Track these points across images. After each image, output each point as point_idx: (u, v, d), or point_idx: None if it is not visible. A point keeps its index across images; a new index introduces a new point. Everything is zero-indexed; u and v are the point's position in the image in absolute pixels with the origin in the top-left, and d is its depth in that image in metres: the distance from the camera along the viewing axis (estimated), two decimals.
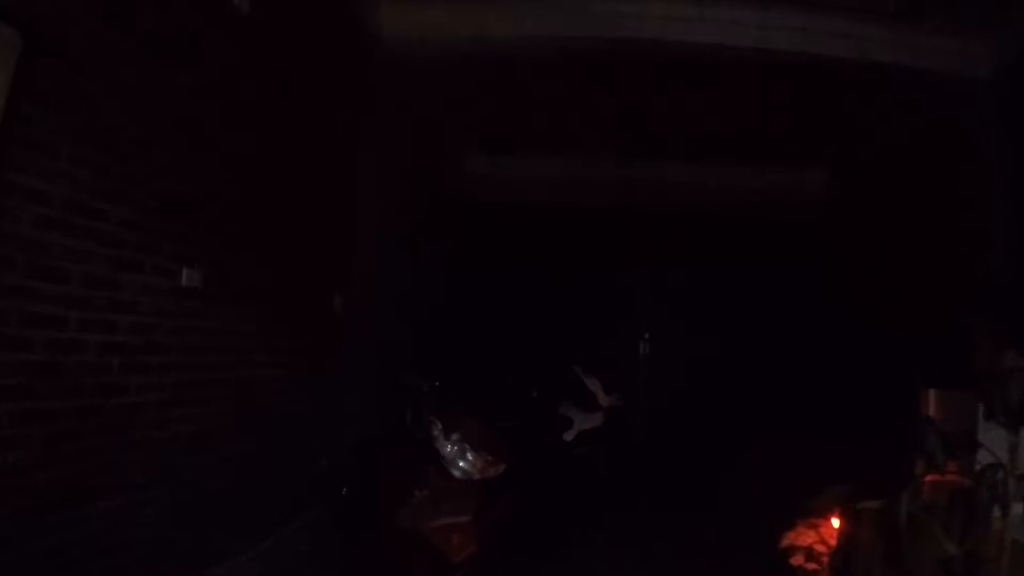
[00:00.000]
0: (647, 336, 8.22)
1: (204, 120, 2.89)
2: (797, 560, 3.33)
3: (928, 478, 3.12)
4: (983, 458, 2.55)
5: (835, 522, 3.26)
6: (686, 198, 7.60)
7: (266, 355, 3.44)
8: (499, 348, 6.55)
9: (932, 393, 3.53)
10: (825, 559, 3.28)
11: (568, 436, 5.46)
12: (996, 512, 2.38)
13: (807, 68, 4.69)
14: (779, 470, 4.56)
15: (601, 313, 7.67)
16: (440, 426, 3.31)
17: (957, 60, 4.57)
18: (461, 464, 3.32)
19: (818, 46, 4.48)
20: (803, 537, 3.35)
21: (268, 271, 3.44)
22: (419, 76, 5.04)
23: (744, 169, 7.24)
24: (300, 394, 3.80)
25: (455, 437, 3.33)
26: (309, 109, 3.82)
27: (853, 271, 5.96)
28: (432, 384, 4.03)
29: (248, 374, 3.28)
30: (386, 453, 3.61)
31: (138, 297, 2.54)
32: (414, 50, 4.73)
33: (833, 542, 3.31)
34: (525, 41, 4.66)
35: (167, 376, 2.71)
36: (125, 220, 2.45)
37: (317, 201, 4.05)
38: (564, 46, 4.70)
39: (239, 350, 3.21)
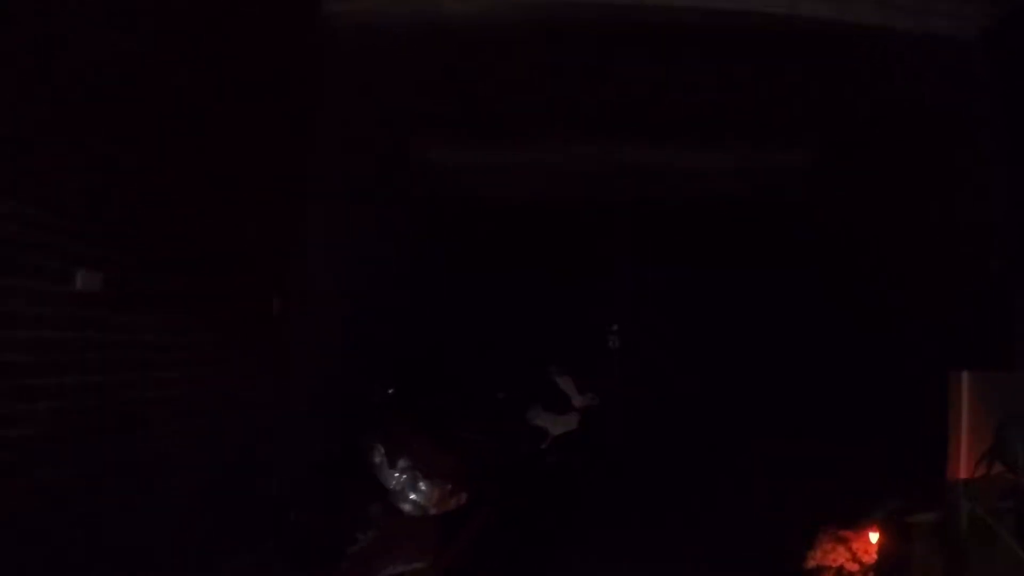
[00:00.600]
0: (618, 329, 7.69)
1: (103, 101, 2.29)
2: None
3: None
4: None
5: (873, 536, 2.69)
6: (663, 184, 7.09)
7: (186, 368, 2.85)
8: (465, 349, 6.03)
9: (965, 377, 2.99)
10: None
11: (541, 443, 4.90)
12: None
13: (790, 33, 4.22)
14: (781, 475, 4.04)
15: (573, 308, 7.13)
16: (383, 451, 2.65)
17: (947, 21, 4.15)
18: (412, 497, 2.67)
19: (804, 8, 4.02)
20: (833, 555, 2.78)
21: (188, 273, 2.87)
22: (374, 61, 4.51)
23: (721, 150, 6.73)
24: (232, 412, 3.19)
25: (403, 464, 2.68)
26: (242, 92, 3.24)
27: (848, 253, 5.43)
28: (384, 392, 3.58)
29: (164, 393, 2.66)
30: (326, 486, 2.95)
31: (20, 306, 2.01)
32: (366, 32, 4.18)
33: (868, 559, 2.74)
34: (483, 13, 4.12)
35: (60, 400, 2.16)
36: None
37: (255, 196, 3.50)
38: (526, 16, 4.15)
39: (150, 364, 2.60)
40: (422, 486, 2.67)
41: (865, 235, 5.03)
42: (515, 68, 5.03)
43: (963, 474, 2.99)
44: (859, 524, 2.87)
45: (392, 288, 5.79)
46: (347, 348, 4.58)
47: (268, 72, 3.61)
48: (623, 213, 7.25)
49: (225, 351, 3.24)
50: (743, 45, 4.53)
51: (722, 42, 4.52)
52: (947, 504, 2.49)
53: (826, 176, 5.98)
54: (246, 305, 3.49)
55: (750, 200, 6.74)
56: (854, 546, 2.76)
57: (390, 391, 3.69)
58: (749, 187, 6.74)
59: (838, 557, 2.76)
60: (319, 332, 4.15)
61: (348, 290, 4.78)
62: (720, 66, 4.92)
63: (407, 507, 2.67)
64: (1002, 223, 3.68)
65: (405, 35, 4.31)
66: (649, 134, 6.59)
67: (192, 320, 2.95)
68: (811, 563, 2.81)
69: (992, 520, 2.23)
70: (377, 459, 2.71)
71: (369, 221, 5.28)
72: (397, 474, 2.65)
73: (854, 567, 2.77)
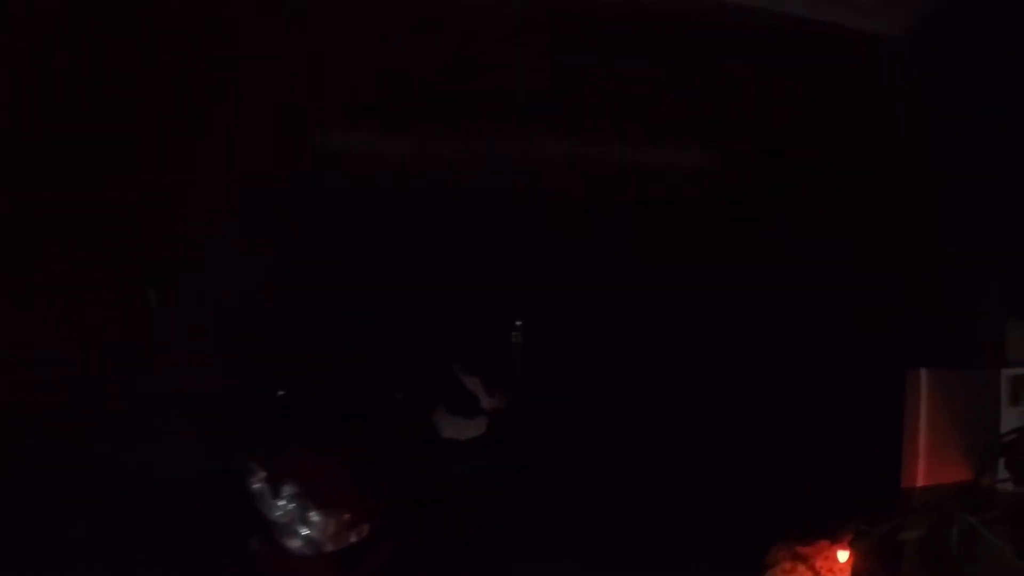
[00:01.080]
0: (523, 325, 7.32)
1: None
2: None
3: None
4: None
5: (842, 555, 2.36)
6: (571, 178, 6.80)
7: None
8: (362, 347, 5.55)
9: (924, 375, 2.73)
10: None
11: (448, 451, 4.45)
12: None
13: (709, 21, 4.05)
14: (717, 481, 3.72)
15: (477, 304, 6.71)
16: (262, 475, 2.11)
17: (874, 17, 4.04)
18: (302, 532, 2.15)
19: None
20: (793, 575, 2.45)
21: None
22: (261, 31, 4.05)
23: (633, 144, 6.50)
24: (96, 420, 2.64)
25: (288, 491, 2.15)
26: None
27: (776, 251, 5.24)
28: (273, 395, 3.28)
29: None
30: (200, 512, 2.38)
31: None
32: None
33: None
34: None
35: None
36: None
37: (118, 172, 3.10)
38: None
39: None
40: (314, 517, 2.15)
41: (791, 234, 4.85)
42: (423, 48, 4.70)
43: (921, 481, 2.75)
44: (818, 538, 2.55)
45: (285, 280, 5.35)
46: (231, 344, 4.11)
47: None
48: (527, 206, 6.98)
49: (82, 351, 2.78)
50: (656, 31, 4.25)
51: (635, 28, 4.26)
52: (934, 517, 2.19)
53: (747, 174, 5.83)
54: (112, 297, 3.10)
55: (665, 197, 6.56)
56: (817, 564, 2.43)
57: (280, 393, 3.39)
58: (665, 183, 6.58)
59: None
60: (200, 326, 3.68)
61: (234, 281, 4.32)
62: (630, 55, 4.71)
63: (296, 543, 2.14)
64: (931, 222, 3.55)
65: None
66: (557, 125, 6.36)
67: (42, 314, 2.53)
68: None
69: (992, 534, 1.93)
70: (256, 485, 2.17)
71: (259, 207, 4.88)
72: (281, 504, 2.13)
73: None
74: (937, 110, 3.74)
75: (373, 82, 5.49)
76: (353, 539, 2.25)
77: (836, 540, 2.48)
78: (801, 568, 2.46)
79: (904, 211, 3.82)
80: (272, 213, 5.23)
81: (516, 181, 6.90)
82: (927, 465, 2.70)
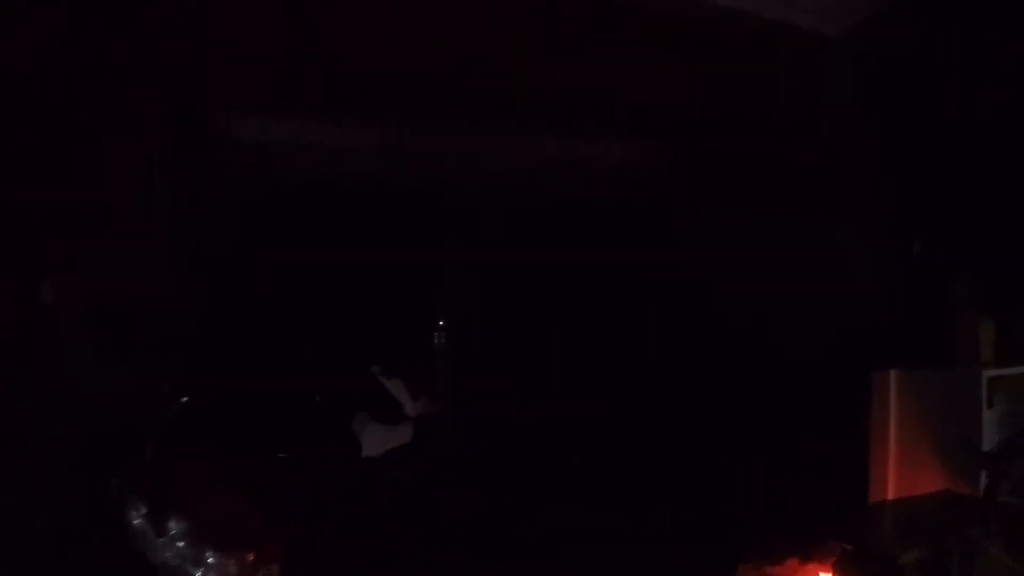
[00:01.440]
0: (448, 324, 7.00)
1: None
2: None
3: None
4: None
5: None
6: (497, 171, 6.56)
7: None
8: (277, 348, 5.16)
9: (893, 377, 2.53)
10: None
11: (372, 451, 4.12)
12: None
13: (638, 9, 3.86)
14: (669, 494, 3.47)
15: (397, 302, 6.36)
16: (144, 510, 1.70)
17: (812, 16, 3.96)
18: None
19: None
20: None
21: None
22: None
23: (557, 137, 6.30)
24: None
25: (175, 529, 1.74)
26: None
27: (710, 247, 5.05)
28: (176, 401, 2.97)
29: None
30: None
31: None
32: None
33: None
34: None
35: None
36: None
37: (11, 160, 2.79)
38: None
39: None
40: (210, 559, 1.75)
41: (734, 232, 4.68)
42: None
43: (892, 492, 2.55)
44: (785, 558, 2.31)
45: (189, 275, 4.93)
46: (129, 344, 3.69)
47: None
48: (451, 201, 6.70)
49: None
50: (584, 20, 4.09)
51: (559, 15, 4.05)
52: (933, 534, 1.97)
53: (677, 171, 5.66)
54: None
55: (596, 193, 6.37)
56: None
57: (183, 399, 3.11)
58: (595, 179, 6.41)
59: None
60: (98, 323, 3.31)
61: (136, 276, 3.91)
62: (555, 44, 4.52)
63: None
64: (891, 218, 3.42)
65: None
66: (479, 117, 6.13)
67: None
68: None
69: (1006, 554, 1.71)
70: (136, 518, 1.76)
71: (160, 196, 4.48)
72: (167, 544, 1.72)
73: None
74: (884, 108, 3.62)
75: (285, 70, 5.13)
76: None
77: (808, 559, 2.25)
78: None
79: (855, 207, 3.68)
80: (177, 206, 4.82)
81: (439, 175, 6.61)
82: (898, 475, 2.51)
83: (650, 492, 3.78)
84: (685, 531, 3.13)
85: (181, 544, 1.76)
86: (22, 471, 2.12)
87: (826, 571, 2.09)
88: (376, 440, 4.23)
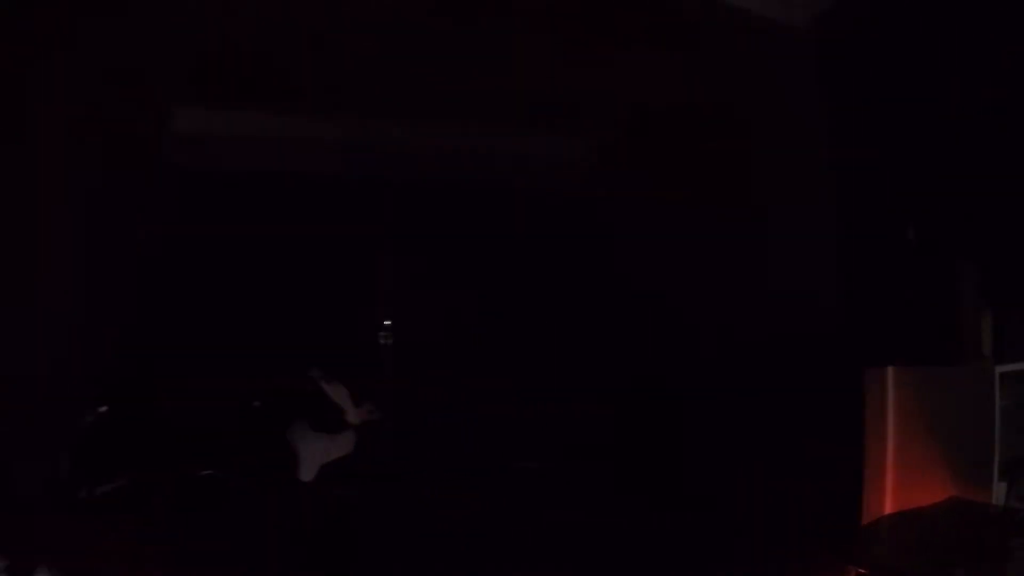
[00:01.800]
0: (392, 325, 6.75)
1: None
2: None
3: None
4: None
5: None
6: (443, 166, 6.39)
7: None
8: (207, 349, 4.85)
9: (890, 375, 2.30)
10: None
11: (306, 473, 3.81)
12: None
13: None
14: (634, 508, 3.21)
15: (338, 302, 6.09)
16: (4, 564, 1.34)
17: (776, 4, 3.77)
18: None
19: None
20: None
21: None
22: None
23: (507, 133, 6.15)
24: None
25: None
26: None
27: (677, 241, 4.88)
28: (94, 411, 2.75)
29: None
30: None
31: None
32: None
33: None
34: None
35: None
36: None
37: None
38: None
39: None
40: None
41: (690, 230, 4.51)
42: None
43: (891, 501, 2.32)
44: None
45: (114, 272, 4.63)
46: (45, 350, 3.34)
47: None
48: (394, 196, 6.49)
49: None
50: (533, 8, 3.77)
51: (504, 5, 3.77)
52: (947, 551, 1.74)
53: (637, 165, 5.50)
54: None
55: (549, 188, 6.23)
56: None
57: (102, 409, 2.88)
58: (547, 173, 6.27)
59: None
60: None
61: (52, 276, 3.57)
62: (501, 36, 4.40)
63: None
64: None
65: None
66: (422, 110, 5.95)
67: None
68: None
69: None
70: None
71: (97, 196, 4.20)
72: None
73: None
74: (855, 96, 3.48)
75: (208, 61, 4.88)
76: None
77: None
78: None
79: (834, 196, 3.51)
80: (92, 203, 4.50)
81: (385, 171, 6.38)
82: (898, 482, 2.29)
83: (615, 503, 3.54)
84: (657, 546, 2.88)
85: None
86: None
87: None
88: (315, 452, 3.95)
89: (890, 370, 2.31)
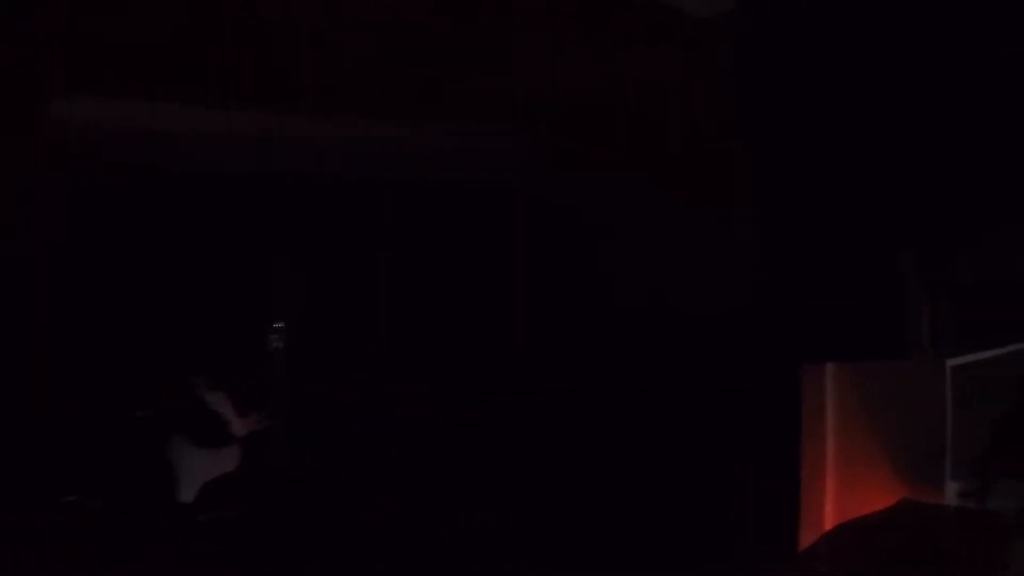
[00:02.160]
0: (284, 327, 6.42)
1: None
2: None
3: None
4: None
5: None
6: (354, 160, 6.20)
7: None
8: (70, 354, 4.48)
9: (830, 371, 2.17)
10: None
11: (186, 494, 3.51)
12: None
13: None
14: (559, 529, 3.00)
15: (226, 303, 5.73)
16: None
17: None
18: None
19: None
20: None
21: None
22: None
23: (428, 126, 6.01)
24: None
25: None
26: None
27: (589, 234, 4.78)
28: None
29: None
30: None
31: None
32: None
33: None
34: None
35: None
36: None
37: None
38: None
39: None
40: None
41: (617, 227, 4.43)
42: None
43: (830, 512, 2.18)
44: None
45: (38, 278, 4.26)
46: None
47: None
48: (290, 190, 6.25)
49: None
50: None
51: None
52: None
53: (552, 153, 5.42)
54: None
55: (469, 187, 6.13)
56: None
57: None
58: (449, 167, 6.16)
59: None
60: None
61: None
62: (499, 34, 4.11)
63: None
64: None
65: None
66: (332, 101, 5.78)
67: None
68: None
69: None
70: None
71: None
72: None
73: None
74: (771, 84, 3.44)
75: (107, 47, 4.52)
76: None
77: None
78: None
79: (752, 185, 3.45)
80: None
81: (278, 163, 6.18)
82: (839, 487, 2.16)
83: (511, 511, 3.38)
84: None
85: None
86: None
87: None
88: (196, 469, 3.64)
89: (829, 366, 2.18)
